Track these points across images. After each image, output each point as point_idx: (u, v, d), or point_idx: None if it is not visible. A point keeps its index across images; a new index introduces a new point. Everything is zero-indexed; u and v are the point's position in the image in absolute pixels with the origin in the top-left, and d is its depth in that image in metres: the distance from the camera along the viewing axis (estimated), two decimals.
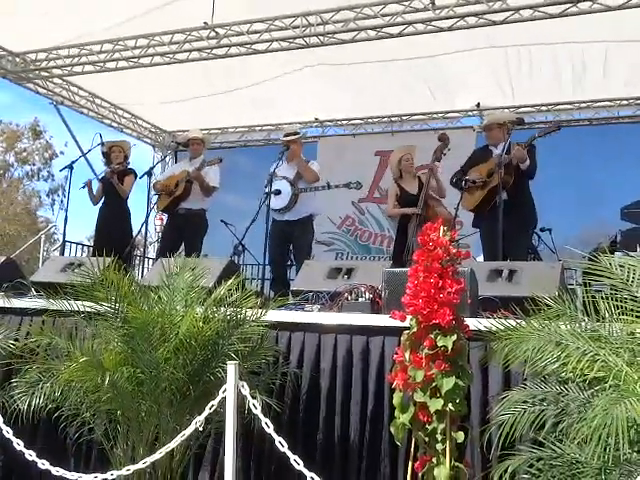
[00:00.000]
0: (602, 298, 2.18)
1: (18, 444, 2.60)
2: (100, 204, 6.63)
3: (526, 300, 2.55)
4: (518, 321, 2.42)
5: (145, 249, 8.05)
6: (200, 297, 2.96)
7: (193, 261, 3.16)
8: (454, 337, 2.29)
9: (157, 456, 2.45)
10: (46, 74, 7.82)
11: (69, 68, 7.46)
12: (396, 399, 2.31)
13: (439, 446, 2.23)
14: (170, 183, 6.27)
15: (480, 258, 5.98)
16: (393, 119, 8.85)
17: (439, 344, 2.27)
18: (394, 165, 6.09)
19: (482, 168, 5.41)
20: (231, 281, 3.06)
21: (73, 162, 6.15)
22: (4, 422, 2.70)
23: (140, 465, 2.46)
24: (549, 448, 2.12)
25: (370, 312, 3.37)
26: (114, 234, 6.23)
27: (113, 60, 7.10)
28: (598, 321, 2.19)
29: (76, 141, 8.63)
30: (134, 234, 6.43)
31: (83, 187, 6.44)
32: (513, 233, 4.91)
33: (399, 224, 6.01)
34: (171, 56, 6.89)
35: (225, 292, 3.03)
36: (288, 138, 5.94)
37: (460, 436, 2.25)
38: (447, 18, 5.87)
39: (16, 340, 3.35)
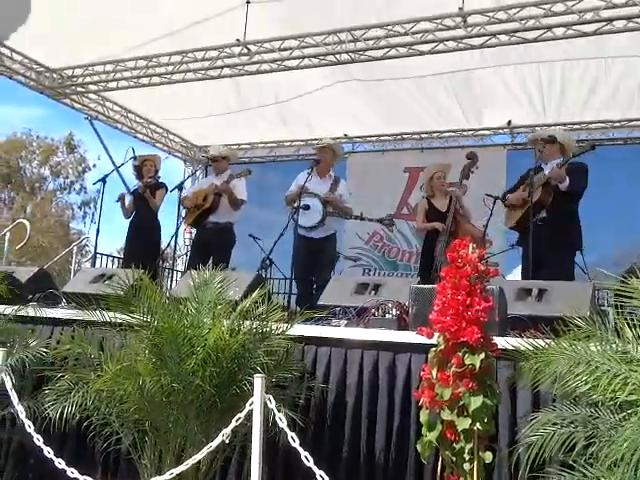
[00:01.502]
0: (632, 320, 2.15)
1: (48, 452, 2.64)
2: (131, 217, 6.75)
3: (556, 320, 2.53)
4: (547, 341, 2.40)
5: (174, 262, 8.13)
6: (227, 310, 2.98)
7: (221, 274, 3.19)
8: (482, 355, 2.28)
9: (183, 467, 2.47)
10: (82, 90, 8.01)
11: (104, 84, 7.65)
12: (423, 417, 2.30)
13: (466, 466, 2.21)
14: (198, 197, 6.35)
15: (509, 276, 5.94)
16: (423, 136, 8.85)
17: (467, 362, 2.26)
18: (426, 182, 6.15)
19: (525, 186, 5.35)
20: (256, 293, 3.09)
21: (106, 176, 6.27)
22: (35, 430, 2.75)
23: (167, 476, 2.47)
24: (579, 471, 2.08)
25: (397, 328, 3.36)
26: (144, 246, 6.32)
27: (147, 76, 7.26)
28: (629, 343, 2.16)
29: (109, 155, 8.78)
30: (163, 247, 6.52)
31: (117, 200, 6.58)
32: (551, 253, 4.84)
33: (426, 240, 6.01)
34: (203, 72, 7.02)
35: (251, 305, 3.06)
36: (321, 144, 6.14)
37: (488, 456, 2.23)
38: (478, 36, 5.87)
39: (47, 349, 3.41)
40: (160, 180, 6.73)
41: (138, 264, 4.20)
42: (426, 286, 3.27)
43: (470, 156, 5.85)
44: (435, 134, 8.79)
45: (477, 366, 2.25)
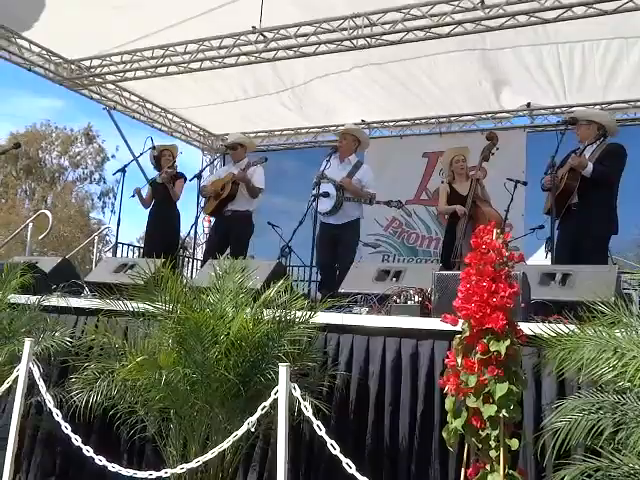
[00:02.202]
0: None
1: (76, 439, 2.68)
2: (151, 207, 6.78)
3: (580, 305, 2.50)
4: (572, 327, 2.37)
5: (194, 251, 8.16)
6: (249, 299, 2.99)
7: (242, 263, 3.19)
8: (507, 342, 2.25)
9: (209, 456, 2.49)
10: (100, 80, 8.04)
11: (122, 74, 7.67)
12: (448, 404, 2.29)
13: (493, 453, 2.19)
14: (217, 186, 6.36)
15: (529, 261, 5.88)
16: (441, 120, 8.77)
17: (492, 349, 2.24)
18: (446, 165, 6.12)
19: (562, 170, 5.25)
20: (280, 283, 3.08)
21: (125, 166, 6.29)
22: (62, 418, 2.78)
23: (193, 464, 2.49)
24: (606, 458, 2.06)
25: (419, 315, 3.35)
26: (165, 236, 6.36)
27: (163, 65, 7.25)
28: None
29: (128, 145, 8.87)
30: (183, 236, 6.55)
31: (132, 196, 6.60)
32: (580, 239, 4.77)
33: (448, 225, 5.97)
34: (220, 60, 7.00)
35: (274, 294, 3.05)
36: (341, 129, 6.12)
37: (514, 443, 2.21)
38: (497, 17, 5.78)
39: (72, 338, 3.45)
40: (178, 170, 6.75)
41: (159, 254, 4.24)
42: (449, 272, 3.26)
43: (490, 136, 5.77)
44: (454, 118, 8.69)
45: (502, 353, 2.23)
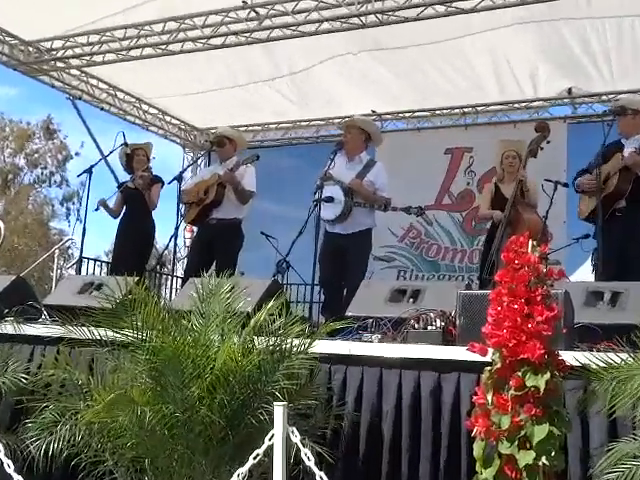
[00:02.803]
0: None
1: None
2: (121, 216, 6.81)
3: (634, 329, 2.49)
4: (625, 356, 2.36)
5: (174, 266, 8.17)
6: (238, 324, 2.98)
7: (229, 281, 3.19)
8: (547, 375, 2.24)
9: None
10: (62, 65, 8.08)
11: (88, 57, 7.71)
12: (477, 450, 2.27)
13: None
14: (200, 189, 6.37)
15: (573, 277, 5.87)
16: (466, 110, 8.79)
17: (528, 384, 2.23)
18: (497, 162, 6.15)
19: (604, 168, 5.17)
20: (272, 303, 3.08)
21: (92, 166, 6.33)
22: (15, 470, 2.76)
23: None
24: None
25: (441, 343, 3.35)
26: (138, 250, 6.39)
27: (138, 47, 7.29)
28: None
29: (95, 141, 8.95)
30: (161, 249, 6.58)
31: (97, 209, 6.63)
32: (627, 250, 4.76)
33: (488, 232, 6.00)
34: (204, 41, 7.03)
35: (267, 318, 3.05)
36: (346, 122, 6.13)
37: None
38: None
39: (27, 373, 3.44)
40: (154, 173, 6.79)
41: (131, 271, 4.24)
42: (476, 292, 3.26)
43: (540, 127, 5.75)
44: (481, 108, 8.72)
45: (541, 388, 2.22)
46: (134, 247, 6.48)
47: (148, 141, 7.37)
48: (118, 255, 6.81)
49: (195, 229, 7.39)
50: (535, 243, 2.41)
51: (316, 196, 5.53)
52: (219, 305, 3.02)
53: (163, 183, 6.64)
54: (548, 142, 5.72)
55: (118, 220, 6.83)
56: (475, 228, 8.40)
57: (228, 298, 3.10)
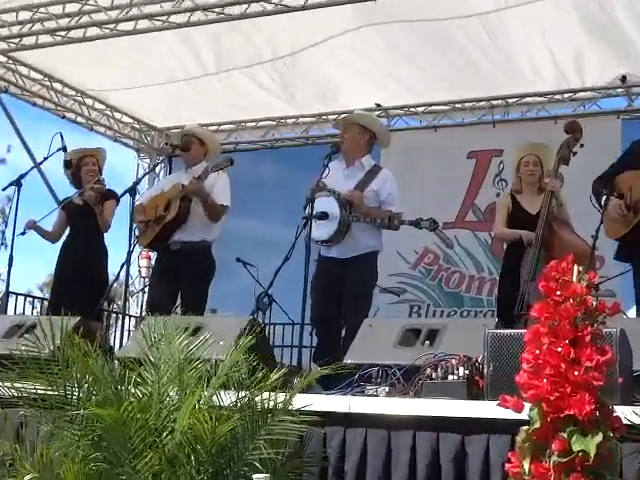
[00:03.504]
0: None
1: None
2: (65, 239, 6.79)
3: None
4: None
5: (126, 303, 8.12)
6: (205, 377, 2.97)
7: (195, 321, 3.18)
8: (598, 437, 2.23)
9: None
10: None
11: (16, 40, 7.70)
12: None
13: None
14: (158, 204, 6.36)
15: (632, 312, 5.86)
16: (495, 103, 8.84)
17: (575, 448, 2.22)
18: (513, 170, 6.22)
19: (626, 178, 5.29)
20: (251, 349, 3.06)
21: (22, 176, 6.31)
22: None
23: None
24: None
25: (466, 397, 3.35)
26: (85, 283, 6.34)
27: (80, 27, 7.28)
28: None
29: (25, 145, 8.93)
30: (111, 282, 6.55)
31: (23, 233, 6.54)
32: None
33: (508, 256, 5.99)
34: (164, 19, 7.04)
35: (244, 368, 3.04)
36: (342, 118, 6.26)
37: None
38: None
39: None
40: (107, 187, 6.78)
41: (73, 308, 4.21)
42: (509, 332, 3.26)
43: (570, 128, 5.79)
44: (513, 100, 8.77)
45: (591, 453, 2.21)
46: (83, 278, 6.44)
47: (100, 146, 7.38)
48: (60, 288, 6.77)
49: (153, 255, 7.37)
50: (581, 269, 2.41)
51: (306, 212, 5.51)
52: (180, 352, 3.00)
53: (119, 200, 6.60)
54: (581, 145, 5.77)
55: (61, 244, 6.80)
56: None
57: (193, 343, 3.08)
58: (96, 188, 6.58)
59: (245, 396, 2.92)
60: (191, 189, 6.20)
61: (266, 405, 2.92)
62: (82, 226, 6.66)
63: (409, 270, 8.86)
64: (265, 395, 2.94)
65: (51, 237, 6.82)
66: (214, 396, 2.87)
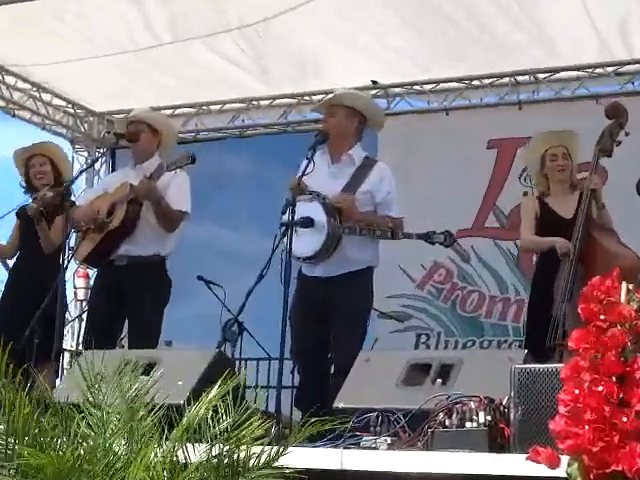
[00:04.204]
0: None
1: None
2: (17, 259, 6.86)
3: None
4: None
5: (60, 333, 8.10)
6: (160, 426, 2.97)
7: (146, 356, 3.19)
8: None
9: None
10: None
11: None
12: None
13: None
14: (100, 209, 6.34)
15: None
16: (520, 80, 8.86)
17: None
18: (535, 164, 6.22)
19: None
20: (217, 391, 3.07)
21: None
22: None
23: None
24: None
25: (488, 449, 3.36)
26: (27, 314, 6.30)
27: None
28: None
29: None
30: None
31: None
32: None
33: (539, 271, 6.02)
34: None
35: (209, 414, 3.04)
36: (328, 99, 6.20)
37: None
38: None
39: None
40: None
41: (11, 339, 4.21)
42: (541, 366, 3.26)
43: (613, 112, 5.81)
44: (544, 76, 8.80)
45: None
46: (27, 304, 6.41)
47: (51, 141, 7.37)
48: (5, 318, 6.73)
49: (93, 273, 7.36)
50: (631, 288, 2.42)
51: (285, 218, 5.53)
52: (125, 395, 3.01)
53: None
54: (627, 134, 5.78)
55: (11, 265, 6.83)
56: None
57: (144, 384, 3.09)
58: (41, 198, 6.54)
59: (211, 448, 2.92)
60: (141, 190, 6.19)
61: (237, 459, 2.93)
62: (30, 244, 6.66)
63: (415, 290, 8.88)
64: (241, 448, 2.94)
65: (4, 253, 6.84)
66: (172, 449, 2.87)
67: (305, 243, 5.70)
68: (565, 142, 6.09)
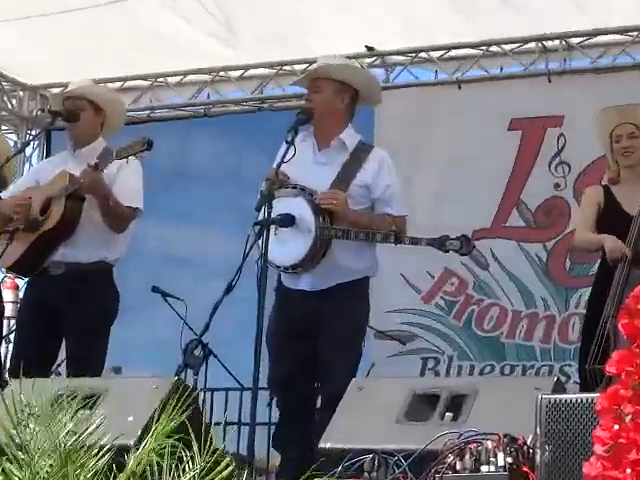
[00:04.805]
0: None
1: None
2: None
3: None
4: None
5: None
6: (105, 474, 2.97)
7: (89, 386, 3.18)
8: None
9: None
10: None
11: None
12: None
13: None
14: (32, 204, 6.33)
15: None
16: (549, 45, 8.89)
17: None
18: (606, 149, 6.30)
19: None
20: (176, 428, 3.07)
21: None
22: None
23: None
24: None
25: None
26: None
27: None
28: None
29: None
30: None
31: None
32: None
33: (600, 277, 6.05)
34: None
35: (166, 458, 3.04)
36: (311, 71, 6.25)
37: None
38: None
39: None
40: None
41: None
42: (574, 397, 3.27)
43: None
44: (578, 39, 8.83)
45: None
46: None
47: None
48: None
49: (23, 284, 7.36)
50: None
51: (260, 216, 5.53)
52: (61, 436, 3.01)
53: None
54: None
55: None
56: (572, 274, 8.48)
57: (86, 420, 3.08)
58: None
59: None
60: (84, 182, 6.17)
61: None
62: None
63: (421, 304, 8.89)
64: None
65: None
66: None
67: (287, 248, 5.70)
68: (632, 118, 6.10)
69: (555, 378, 4.94)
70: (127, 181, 6.29)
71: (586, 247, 6.17)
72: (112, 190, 6.19)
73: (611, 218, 5.94)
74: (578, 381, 5.85)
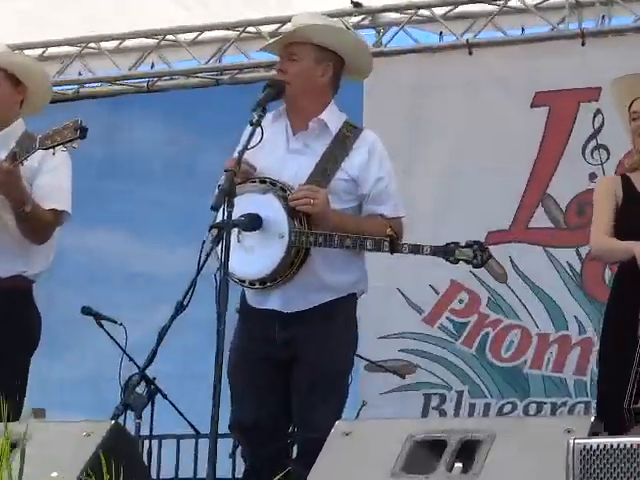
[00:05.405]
0: None
1: None
2: None
3: None
4: None
5: None
6: None
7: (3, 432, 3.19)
8: None
9: None
10: None
11: None
12: None
13: None
14: None
15: None
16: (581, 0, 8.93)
17: None
18: (627, 126, 6.26)
19: None
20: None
21: None
22: None
23: None
24: None
25: None
26: None
27: None
28: None
29: None
30: None
31: None
32: None
33: (619, 292, 6.08)
34: None
35: None
36: (287, 33, 6.22)
37: None
38: None
39: None
40: None
41: None
42: (613, 440, 3.28)
43: None
44: None
45: None
46: None
47: None
48: None
49: None
50: None
51: (218, 217, 5.52)
52: None
53: None
54: None
55: None
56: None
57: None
58: None
59: None
60: None
61: None
62: None
63: (422, 326, 8.93)
64: None
65: None
66: None
67: (253, 258, 5.69)
68: None
69: (592, 418, 4.96)
70: (51, 177, 6.25)
71: (608, 257, 6.19)
72: (33, 188, 6.18)
73: (632, 213, 5.94)
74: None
